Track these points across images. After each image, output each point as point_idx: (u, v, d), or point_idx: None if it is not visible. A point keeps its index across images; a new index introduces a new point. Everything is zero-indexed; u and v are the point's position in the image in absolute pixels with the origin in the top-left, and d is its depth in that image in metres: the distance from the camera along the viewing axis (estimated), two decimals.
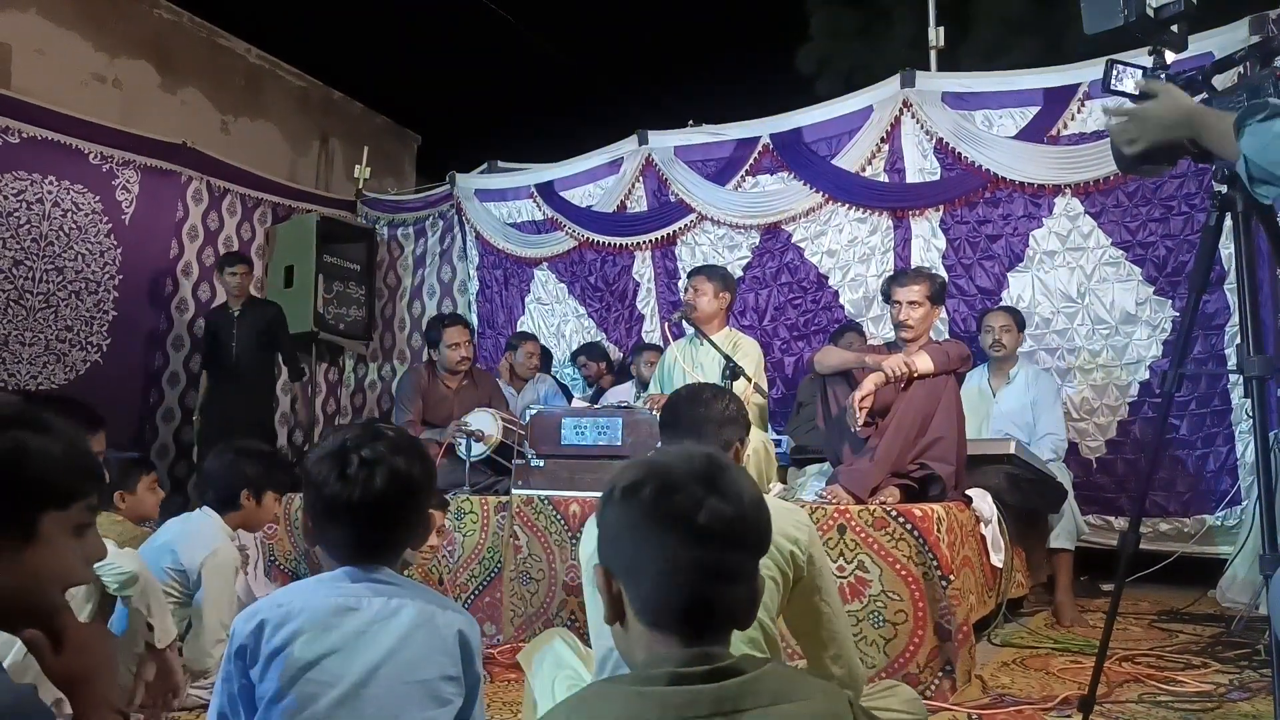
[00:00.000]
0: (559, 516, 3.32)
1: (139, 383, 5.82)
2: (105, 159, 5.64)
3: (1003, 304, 4.52)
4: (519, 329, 6.30)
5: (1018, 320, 4.25)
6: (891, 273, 4.51)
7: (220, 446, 2.88)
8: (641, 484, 0.99)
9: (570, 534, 3.27)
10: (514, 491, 3.47)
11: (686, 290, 3.95)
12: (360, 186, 7.20)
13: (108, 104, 6.17)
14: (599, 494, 3.10)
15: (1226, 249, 3.42)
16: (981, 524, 3.17)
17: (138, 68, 6.58)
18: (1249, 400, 1.98)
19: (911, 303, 3.25)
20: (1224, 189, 2.05)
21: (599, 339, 6.07)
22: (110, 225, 5.66)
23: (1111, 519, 4.40)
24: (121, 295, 5.68)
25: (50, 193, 5.36)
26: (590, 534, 1.86)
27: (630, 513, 0.99)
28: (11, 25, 5.68)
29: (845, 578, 2.73)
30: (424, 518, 1.57)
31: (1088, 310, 4.53)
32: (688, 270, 5.58)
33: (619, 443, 3.30)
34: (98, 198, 5.59)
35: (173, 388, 6.02)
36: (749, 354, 3.74)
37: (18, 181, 5.20)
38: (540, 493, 3.40)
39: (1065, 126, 4.55)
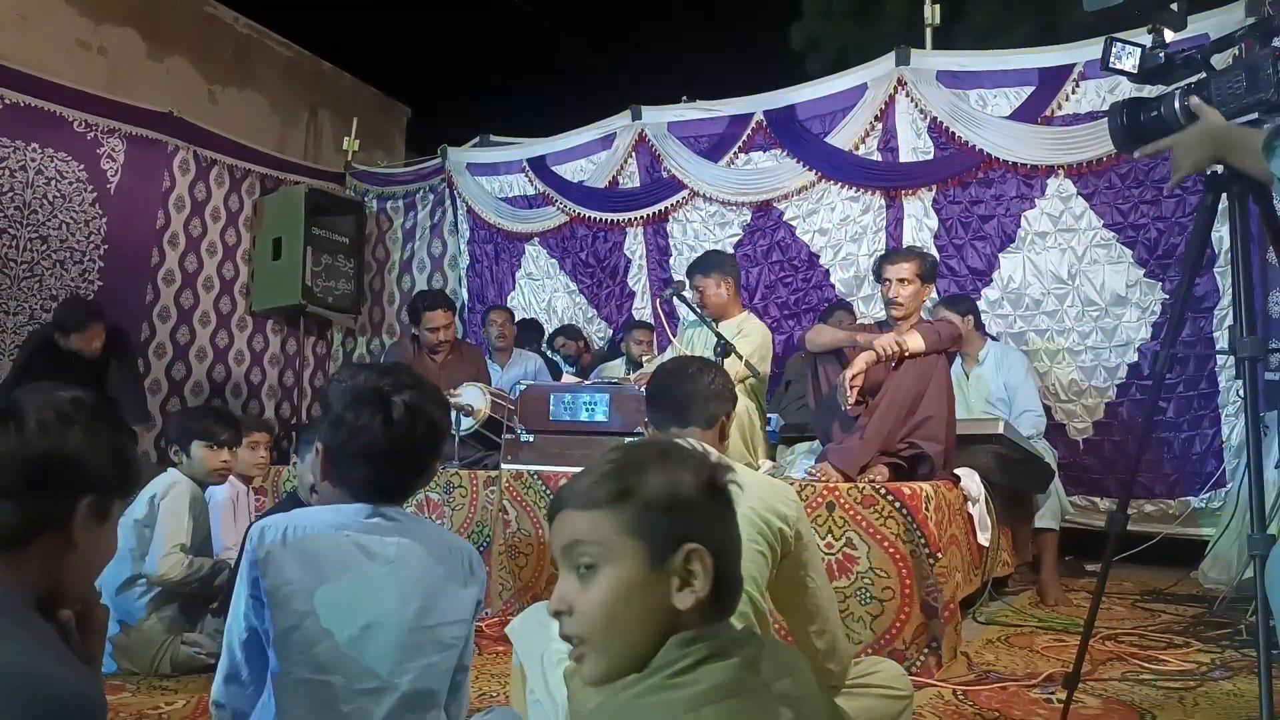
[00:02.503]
0: (548, 491, 3.32)
1: None
2: (90, 127, 5.55)
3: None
4: (509, 303, 6.27)
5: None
6: (883, 252, 4.50)
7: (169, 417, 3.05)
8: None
9: None
10: (503, 466, 3.46)
11: (693, 290, 3.98)
12: (349, 159, 7.12)
13: (93, 72, 6.07)
14: None
15: (1217, 232, 3.44)
16: (969, 503, 3.19)
17: (124, 35, 6.47)
18: (1240, 381, 1.98)
19: (902, 280, 3.25)
20: (1218, 169, 2.04)
21: (591, 315, 6.06)
22: (95, 194, 5.59)
23: (1097, 500, 4.43)
24: (107, 265, 5.62)
25: (34, 160, 5.28)
26: None
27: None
28: None
29: (833, 555, 2.74)
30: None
31: (1078, 292, 4.53)
32: (679, 248, 5.60)
33: (606, 419, 3.30)
34: (82, 166, 5.51)
35: (159, 359, 5.97)
36: (750, 336, 3.76)
37: (0, 149, 5.13)
38: (529, 468, 3.40)
39: (1059, 107, 4.53)
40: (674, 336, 4.26)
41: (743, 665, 0.90)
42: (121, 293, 5.70)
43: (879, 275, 3.39)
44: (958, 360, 4.22)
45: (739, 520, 1.03)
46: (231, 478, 3.13)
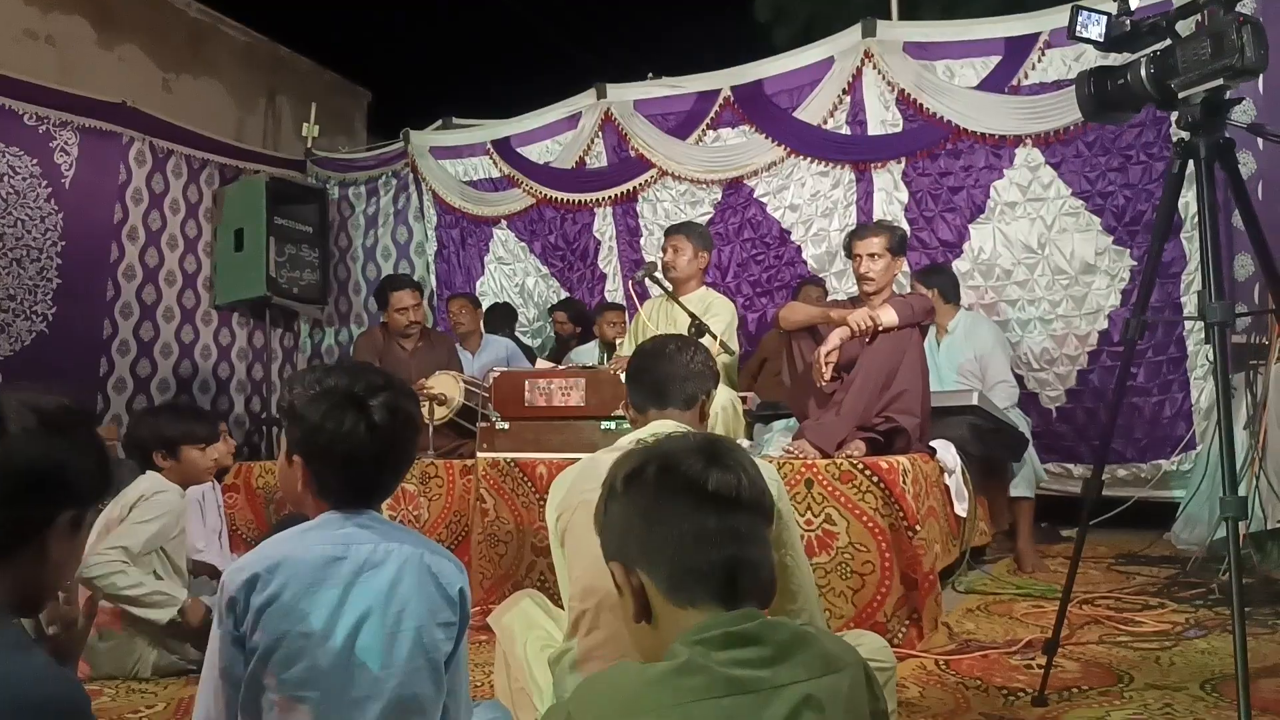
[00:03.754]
0: (526, 479, 3.29)
1: (88, 352, 5.65)
2: (41, 120, 5.40)
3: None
4: (478, 289, 6.21)
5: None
6: (854, 226, 4.49)
7: (133, 416, 2.95)
8: (642, 468, 1.00)
9: (538, 496, 3.24)
10: (479, 455, 3.43)
11: (665, 249, 3.87)
12: (309, 145, 6.99)
13: (42, 62, 5.88)
14: (565, 455, 3.06)
15: (1183, 198, 3.46)
16: (945, 474, 3.21)
17: (73, 24, 6.27)
18: (1209, 346, 2.00)
19: (872, 255, 3.24)
20: (1186, 135, 2.05)
21: (564, 298, 5.98)
22: (50, 189, 5.45)
23: (1071, 467, 4.48)
24: (65, 262, 5.49)
25: None
26: (555, 499, 1.84)
27: (637, 498, 1.00)
28: None
29: (813, 531, 2.74)
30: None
31: (1048, 260, 4.56)
32: (650, 228, 5.54)
33: (583, 404, 3.27)
34: (35, 160, 5.37)
35: (123, 356, 5.86)
36: (720, 314, 3.71)
37: None
38: (506, 455, 3.36)
39: (1026, 76, 4.54)
40: (642, 311, 4.11)
41: (751, 661, 0.91)
42: (81, 290, 5.57)
43: (849, 251, 3.38)
44: (930, 330, 4.23)
45: None
46: None
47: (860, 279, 3.30)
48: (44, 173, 5.42)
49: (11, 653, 0.94)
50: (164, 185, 6.13)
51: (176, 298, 6.18)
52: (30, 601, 1.05)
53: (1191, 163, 2.01)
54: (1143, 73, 2.02)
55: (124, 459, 4.63)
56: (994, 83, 4.61)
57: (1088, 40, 2.07)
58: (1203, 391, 4.21)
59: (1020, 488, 3.82)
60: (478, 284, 6.29)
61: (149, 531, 2.61)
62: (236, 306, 6.40)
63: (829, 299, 4.68)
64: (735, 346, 3.88)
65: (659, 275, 3.88)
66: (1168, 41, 2.00)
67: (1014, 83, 4.56)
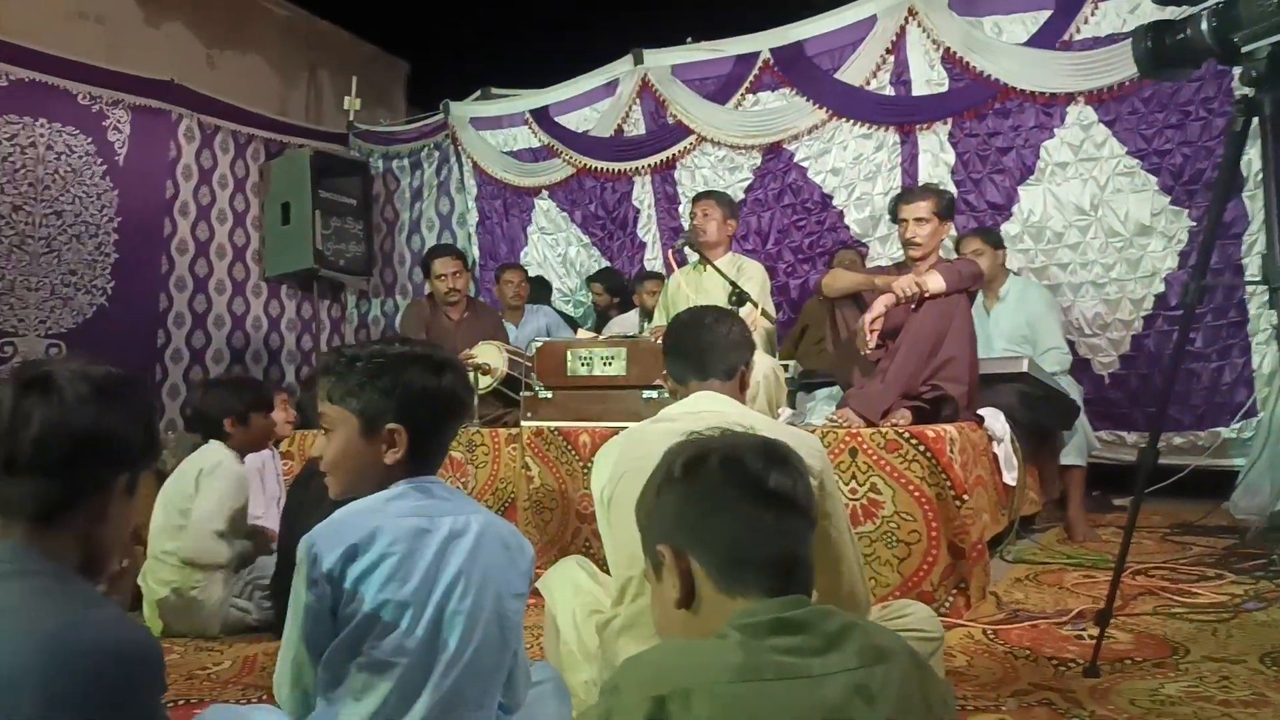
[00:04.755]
0: (569, 447, 3.32)
1: (146, 324, 5.82)
2: (94, 99, 5.53)
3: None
4: (522, 259, 6.23)
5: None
6: (899, 190, 4.41)
7: (192, 387, 3.08)
8: (704, 457, 1.02)
9: (581, 463, 3.27)
10: (523, 423, 3.46)
11: (694, 215, 3.84)
12: (351, 118, 7.05)
13: (91, 41, 5.98)
14: (608, 424, 3.07)
15: (1245, 155, 3.33)
16: (994, 443, 3.15)
17: (119, 3, 6.37)
18: (1274, 311, 1.93)
19: (918, 219, 3.18)
20: (1249, 91, 1.96)
21: (605, 267, 5.98)
22: (105, 167, 5.59)
23: (1124, 434, 4.38)
24: (121, 237, 5.65)
25: (43, 136, 5.29)
26: (602, 468, 1.85)
27: (697, 485, 1.02)
28: None
29: (858, 500, 2.72)
30: None
31: (1101, 223, 4.43)
32: (689, 195, 5.49)
33: (625, 373, 3.27)
34: (90, 139, 5.51)
35: (179, 328, 6.02)
36: (754, 277, 3.67)
37: (9, 126, 5.14)
38: (549, 424, 3.39)
39: (1078, 31, 4.38)
40: (673, 279, 3.93)
41: (799, 649, 0.91)
42: (137, 264, 5.73)
43: (895, 215, 3.32)
44: (979, 297, 4.15)
45: None
46: None
47: (906, 244, 3.24)
48: (99, 151, 5.55)
49: (88, 608, 1.00)
50: (212, 161, 6.24)
51: (227, 270, 6.32)
52: (96, 564, 1.10)
53: (1256, 120, 1.93)
54: (1204, 26, 1.94)
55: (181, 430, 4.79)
56: (1044, 38, 4.46)
57: None
58: (1265, 357, 4.07)
59: (1071, 456, 3.74)
60: (521, 254, 6.32)
61: (225, 505, 2.80)
62: (285, 279, 6.52)
63: (871, 265, 4.62)
64: (772, 311, 3.85)
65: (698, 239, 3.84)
66: None
67: (1065, 38, 4.40)
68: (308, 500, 2.61)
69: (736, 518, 0.99)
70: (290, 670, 1.37)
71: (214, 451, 2.87)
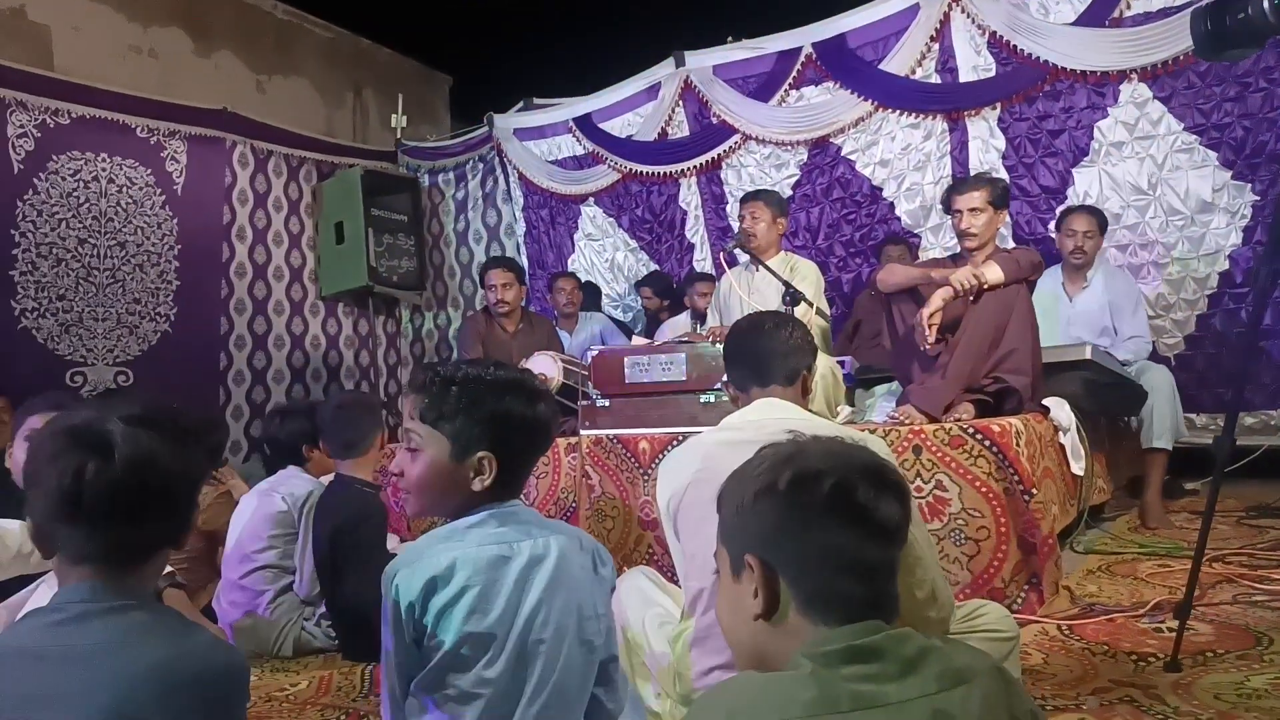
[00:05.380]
0: (629, 455, 3.35)
1: (209, 348, 5.98)
2: (151, 131, 5.70)
3: (1084, 204, 4.19)
4: (570, 267, 6.28)
5: (1101, 223, 4.00)
6: (950, 180, 4.35)
7: (267, 415, 3.11)
8: (816, 479, 0.97)
9: (642, 470, 3.30)
10: (582, 432, 3.50)
11: (742, 217, 3.84)
12: (399, 136, 7.17)
13: (146, 75, 6.18)
14: (667, 430, 3.08)
15: None
16: (1060, 433, 3.10)
17: (171, 35, 6.57)
18: None
19: (973, 210, 3.14)
20: None
21: (653, 271, 6.00)
22: (164, 197, 5.76)
23: (1192, 416, 4.26)
24: (182, 264, 5.81)
25: (104, 169, 5.46)
26: (667, 479, 1.86)
27: (802, 507, 0.97)
28: (47, 6, 5.70)
29: (923, 498, 2.71)
30: None
31: (1160, 201, 4.33)
32: (735, 195, 5.48)
33: (684, 378, 3.29)
34: (149, 171, 5.68)
35: (240, 350, 6.17)
36: (807, 276, 3.67)
37: (73, 161, 5.31)
38: (608, 432, 3.42)
39: (1129, 6, 4.28)
40: (725, 280, 4.00)
41: (876, 676, 0.89)
42: (198, 289, 5.90)
43: (948, 207, 3.29)
44: (1059, 280, 4.06)
45: None
46: None
47: (961, 235, 3.21)
48: (157, 181, 5.72)
49: (186, 636, 1.09)
50: (266, 185, 6.40)
51: (285, 291, 6.46)
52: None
53: None
54: (1265, 4, 1.89)
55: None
56: (1093, 16, 4.36)
57: None
58: None
59: (1161, 439, 3.63)
60: (569, 262, 6.37)
61: None
62: (341, 297, 6.66)
63: (925, 257, 4.57)
64: (826, 309, 3.84)
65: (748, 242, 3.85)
66: None
67: (1115, 15, 4.30)
68: (346, 523, 2.69)
69: (839, 549, 0.96)
70: (388, 701, 1.40)
71: (305, 481, 2.92)
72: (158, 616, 1.11)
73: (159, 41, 6.48)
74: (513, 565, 1.36)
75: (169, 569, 2.64)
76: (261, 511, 2.91)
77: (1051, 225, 4.51)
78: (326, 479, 3.26)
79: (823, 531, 0.97)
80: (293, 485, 2.92)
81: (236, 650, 1.16)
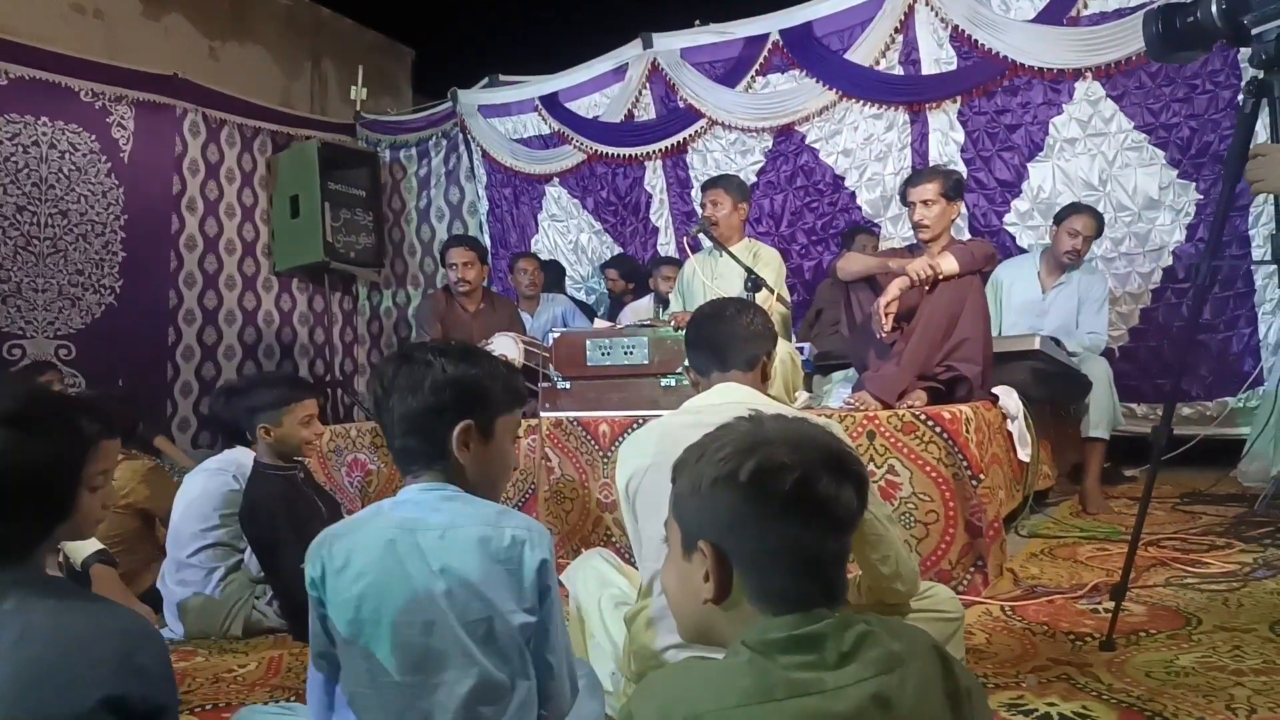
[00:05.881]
0: (589, 437, 3.37)
1: (156, 322, 5.85)
2: (97, 95, 5.53)
3: (1087, 205, 4.11)
4: (533, 247, 6.25)
5: (1099, 227, 3.98)
6: (910, 170, 4.42)
7: (214, 393, 3.01)
8: (780, 471, 0.95)
9: (601, 453, 3.32)
10: (542, 414, 3.50)
11: (704, 205, 3.87)
12: (358, 108, 7.04)
13: (91, 37, 5.98)
14: (627, 413, 3.10)
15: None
16: (1008, 420, 3.19)
17: None
18: None
19: (926, 202, 3.20)
20: (1259, 75, 1.98)
21: (619, 253, 6.00)
22: (110, 164, 5.60)
23: (1134, 406, 4.42)
24: (129, 235, 5.66)
25: (45, 134, 5.29)
26: (627, 462, 1.88)
27: (763, 501, 0.95)
28: None
29: (876, 482, 2.77)
30: None
31: (1110, 198, 4.45)
32: (700, 179, 5.50)
33: (646, 361, 3.31)
34: (94, 136, 5.51)
35: (189, 325, 6.05)
36: (770, 263, 3.71)
37: (11, 125, 5.13)
38: (569, 414, 3.44)
39: (1085, 6, 4.40)
40: (689, 265, 4.04)
41: (814, 664, 0.90)
42: (146, 262, 5.75)
43: (904, 199, 3.35)
44: (1035, 277, 4.12)
45: None
46: None
47: (916, 226, 3.27)
48: (103, 148, 5.56)
49: (88, 604, 1.13)
50: (218, 155, 6.26)
51: (237, 266, 6.34)
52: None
53: (1265, 102, 1.96)
54: (1214, 9, 1.96)
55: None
56: (1052, 14, 4.46)
57: None
58: (1271, 326, 4.11)
59: (1099, 429, 3.75)
60: (532, 242, 6.34)
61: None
62: (295, 272, 6.55)
63: (884, 246, 4.64)
64: (788, 296, 3.88)
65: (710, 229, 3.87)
66: None
67: (1073, 14, 4.41)
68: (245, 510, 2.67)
69: (798, 545, 0.95)
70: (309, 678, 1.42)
71: (247, 459, 2.85)
72: (72, 596, 1.12)
73: (106, 2, 6.28)
74: (410, 550, 1.33)
75: (100, 546, 2.60)
76: (212, 490, 2.86)
77: (1006, 217, 4.63)
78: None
79: (782, 526, 0.95)
80: (245, 464, 2.87)
81: (137, 616, 1.15)
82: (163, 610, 2.86)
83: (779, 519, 0.95)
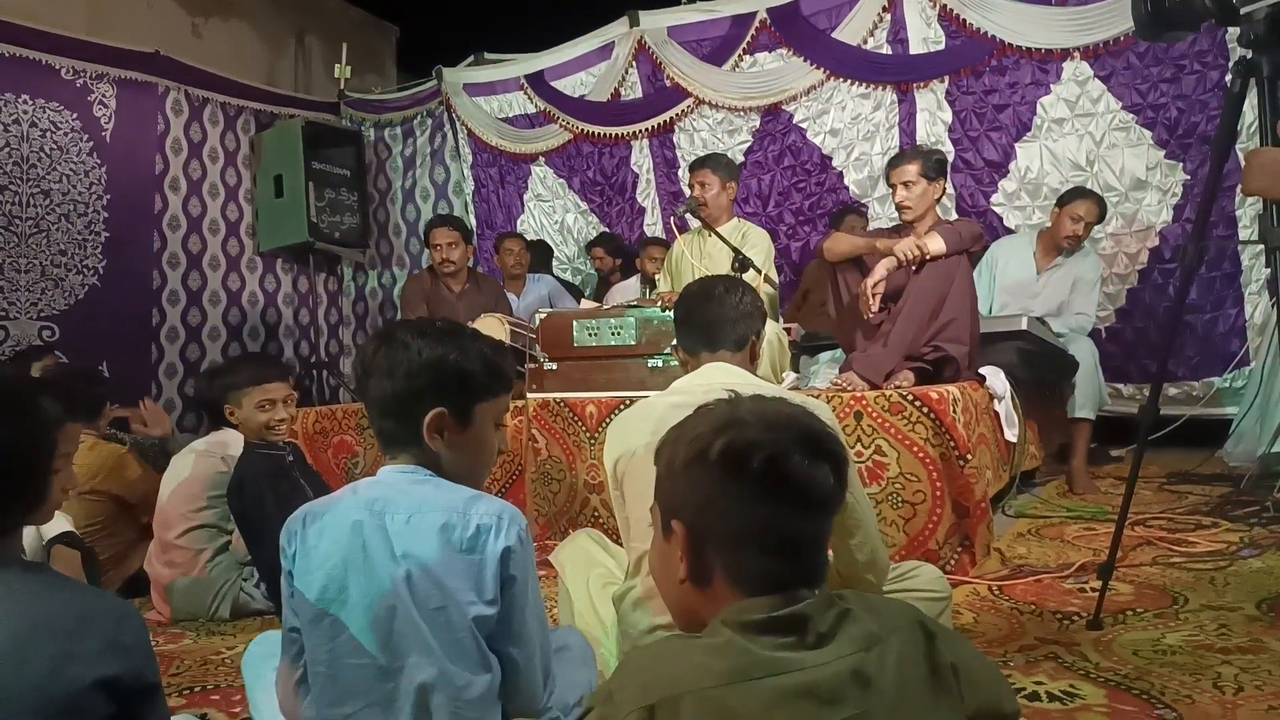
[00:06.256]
0: (576, 418, 3.36)
1: (140, 303, 5.79)
2: (78, 73, 5.44)
3: (1090, 190, 4.10)
4: (519, 228, 6.21)
5: (1102, 213, 3.98)
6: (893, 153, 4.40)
7: (199, 375, 3.02)
8: (750, 450, 0.94)
9: (588, 434, 3.31)
10: (529, 395, 3.49)
11: (692, 185, 3.84)
12: (342, 87, 6.96)
13: (71, 12, 5.87)
14: (614, 394, 3.09)
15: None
16: (995, 400, 3.20)
17: None
18: (1270, 270, 1.96)
19: (906, 183, 3.20)
20: (1248, 53, 1.98)
21: (601, 233, 5.97)
22: (91, 143, 5.51)
23: (1120, 386, 4.45)
24: (111, 215, 5.59)
25: (26, 112, 5.19)
26: (615, 442, 1.87)
27: (735, 481, 0.95)
28: None
29: (863, 462, 2.78)
30: None
31: (1097, 178, 4.45)
32: (688, 159, 5.47)
33: (633, 342, 3.30)
34: (75, 115, 5.43)
35: (173, 306, 5.99)
36: (758, 244, 3.69)
37: None
38: (555, 395, 3.42)
39: None
40: (677, 245, 4.00)
41: (793, 644, 0.89)
42: (129, 242, 5.68)
43: (888, 181, 3.35)
44: (1031, 258, 4.11)
45: None
46: None
47: (898, 208, 3.27)
48: (84, 127, 5.47)
49: (65, 583, 1.14)
50: (202, 134, 6.18)
51: (221, 246, 6.27)
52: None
53: (1254, 82, 1.95)
54: None
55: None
56: None
57: None
58: (1257, 307, 4.13)
59: (1084, 409, 3.76)
60: (518, 222, 6.30)
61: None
62: (280, 252, 6.49)
63: (872, 226, 4.63)
64: (775, 277, 3.87)
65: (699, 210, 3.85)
66: None
67: None
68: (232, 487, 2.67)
69: (770, 525, 0.94)
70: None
71: (236, 439, 2.83)
72: (23, 579, 1.12)
73: None
74: (376, 533, 1.31)
75: (67, 528, 2.58)
76: (200, 472, 2.85)
77: (994, 198, 4.62)
78: None
79: (754, 506, 0.94)
80: (232, 446, 2.86)
81: (118, 597, 1.18)
82: (149, 593, 2.85)
83: (750, 498, 0.94)
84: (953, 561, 2.69)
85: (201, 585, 2.79)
